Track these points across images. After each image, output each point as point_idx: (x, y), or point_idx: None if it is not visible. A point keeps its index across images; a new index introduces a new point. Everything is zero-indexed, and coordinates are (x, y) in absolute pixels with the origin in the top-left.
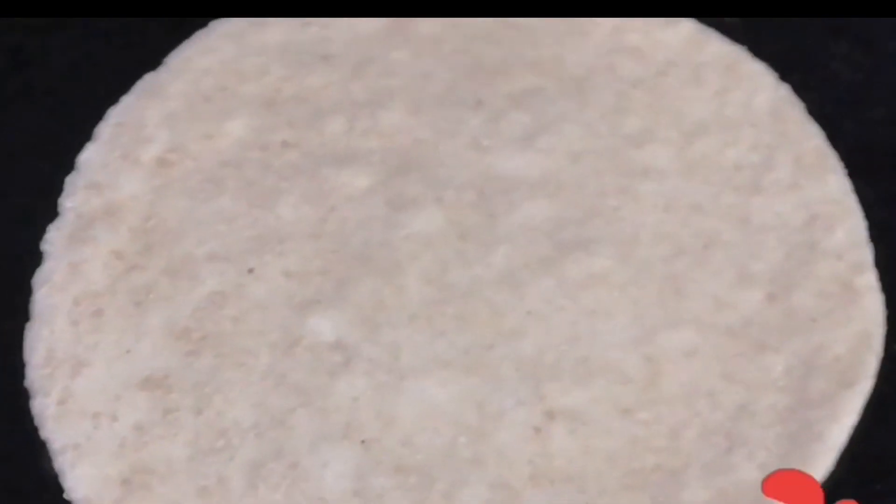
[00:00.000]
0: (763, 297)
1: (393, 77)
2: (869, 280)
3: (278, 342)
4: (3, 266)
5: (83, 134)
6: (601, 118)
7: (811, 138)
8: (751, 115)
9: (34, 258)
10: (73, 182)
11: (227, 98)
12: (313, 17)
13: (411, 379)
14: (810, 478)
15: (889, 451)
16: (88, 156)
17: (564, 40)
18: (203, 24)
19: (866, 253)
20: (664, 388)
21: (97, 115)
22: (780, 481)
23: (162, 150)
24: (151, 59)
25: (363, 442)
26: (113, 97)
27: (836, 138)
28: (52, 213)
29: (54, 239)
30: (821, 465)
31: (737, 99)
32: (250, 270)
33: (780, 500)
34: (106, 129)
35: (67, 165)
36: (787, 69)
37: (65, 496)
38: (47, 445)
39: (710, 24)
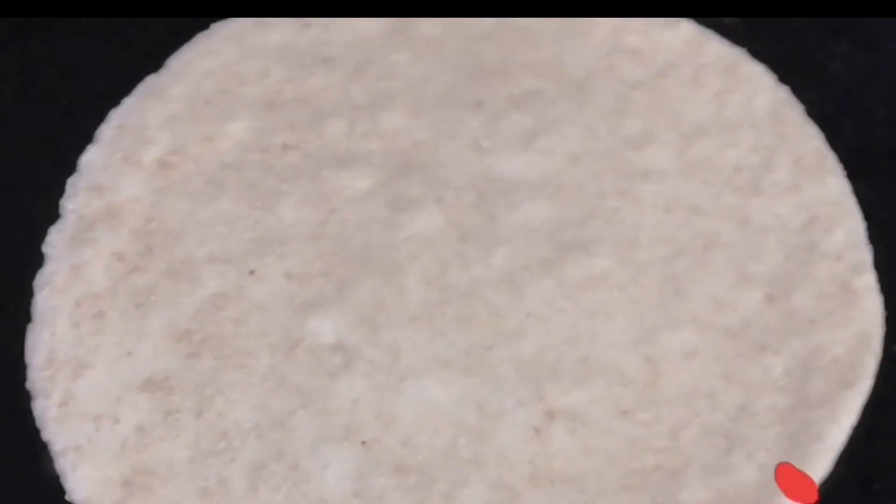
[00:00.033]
0: (762, 298)
1: (393, 79)
2: (868, 281)
3: (279, 344)
4: (4, 268)
5: (84, 136)
6: (601, 119)
7: (810, 140)
8: (750, 117)
9: (35, 260)
10: (74, 184)
11: (227, 100)
12: (314, 18)
13: (411, 380)
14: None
15: (888, 451)
16: (89, 158)
17: (564, 42)
18: (204, 27)
19: (865, 254)
20: (664, 388)
21: (98, 117)
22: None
23: (163, 152)
24: (153, 61)
25: (363, 443)
26: (114, 99)
27: (836, 140)
28: (53, 215)
29: (55, 241)
30: (820, 465)
31: (736, 100)
32: (251, 272)
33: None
34: (107, 131)
35: (68, 167)
36: (786, 71)
37: (66, 498)
38: (49, 447)
39: (709, 26)
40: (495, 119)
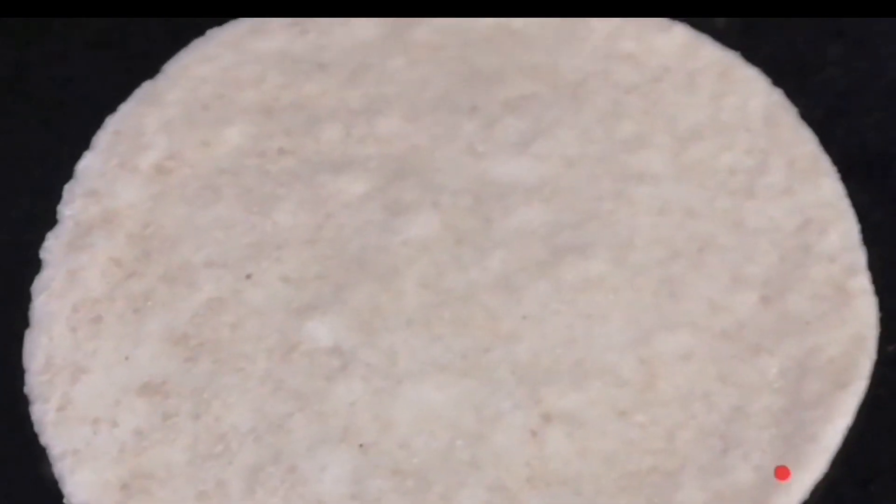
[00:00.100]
0: (757, 300)
1: (389, 84)
2: (862, 283)
3: (276, 347)
4: (2, 273)
5: (81, 142)
6: (596, 123)
7: (804, 143)
8: (744, 120)
9: (33, 266)
10: (71, 190)
11: (224, 106)
12: (311, 24)
13: (408, 383)
14: None
15: (882, 451)
16: (87, 164)
17: (559, 47)
18: (201, 33)
19: (859, 256)
20: (660, 390)
21: (95, 124)
22: None
23: (160, 158)
24: (149, 67)
25: (361, 446)
26: (111, 105)
27: (829, 142)
28: (50, 221)
29: (53, 246)
30: (815, 465)
31: (731, 104)
32: (248, 276)
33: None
34: (104, 137)
35: (66, 173)
36: (780, 74)
37: (65, 501)
38: (47, 451)
39: (703, 31)
40: (491, 123)
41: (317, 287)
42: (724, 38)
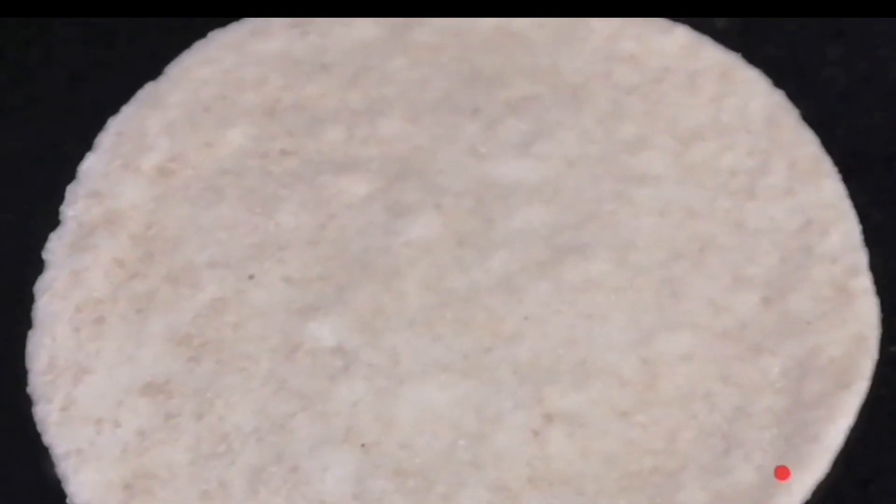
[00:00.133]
0: (759, 301)
1: (391, 85)
2: (863, 283)
3: (278, 347)
4: (5, 274)
5: (84, 143)
6: (597, 124)
7: (806, 144)
8: (746, 122)
9: (36, 266)
10: (73, 191)
11: (226, 107)
12: (312, 25)
13: (410, 383)
14: None
15: (884, 452)
16: (89, 165)
17: (560, 48)
18: (202, 35)
19: (860, 257)
20: (661, 390)
21: (98, 125)
22: None
23: (162, 159)
24: (152, 69)
25: (363, 445)
26: (113, 107)
27: (831, 144)
28: (53, 222)
29: (56, 247)
30: (817, 466)
31: (732, 105)
32: (250, 277)
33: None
34: (106, 138)
35: (68, 174)
36: (781, 76)
37: (68, 501)
38: (50, 451)
39: (704, 32)
40: (492, 125)
41: (319, 287)
42: (725, 40)
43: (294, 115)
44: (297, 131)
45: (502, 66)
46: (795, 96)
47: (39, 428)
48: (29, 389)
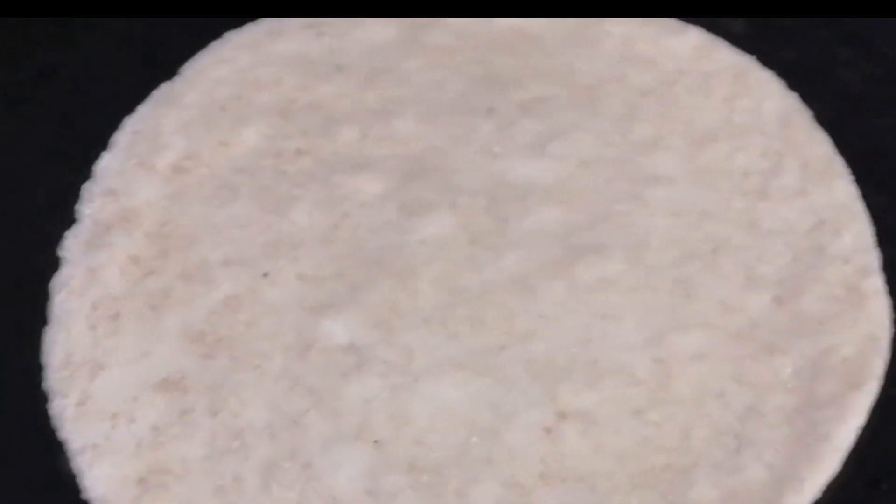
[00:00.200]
0: (771, 301)
1: (406, 86)
2: (875, 284)
3: (292, 345)
4: (22, 272)
5: (100, 142)
6: (612, 126)
7: (819, 145)
8: (759, 123)
9: (52, 264)
10: (89, 189)
11: (241, 107)
12: (328, 26)
13: (424, 381)
14: None
15: (894, 451)
16: (105, 163)
17: (575, 50)
18: (218, 35)
19: (873, 257)
20: (674, 389)
21: (114, 124)
22: None
23: (177, 158)
24: (167, 68)
25: (376, 442)
26: (129, 106)
27: (844, 145)
28: (69, 220)
29: (72, 245)
30: (828, 465)
31: (745, 107)
32: (265, 275)
33: None
34: (122, 137)
35: (84, 173)
36: (794, 77)
37: (82, 496)
38: (66, 446)
39: (718, 34)
40: (507, 125)
41: (333, 285)
42: (740, 43)
43: (309, 115)
44: (312, 131)
45: (517, 68)
46: (809, 98)
47: (55, 423)
48: (45, 385)
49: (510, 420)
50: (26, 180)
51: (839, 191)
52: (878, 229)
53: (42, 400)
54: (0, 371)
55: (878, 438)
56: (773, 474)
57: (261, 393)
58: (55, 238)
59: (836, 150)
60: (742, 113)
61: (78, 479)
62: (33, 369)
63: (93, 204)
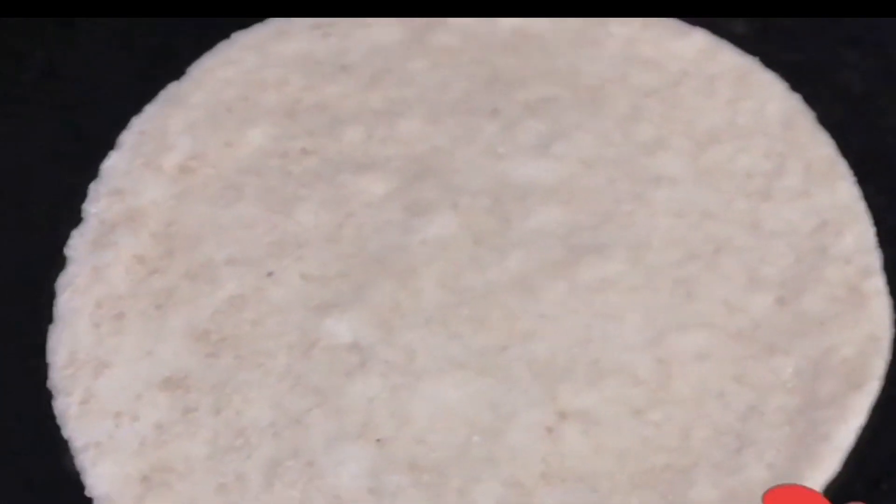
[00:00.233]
0: (773, 301)
1: (410, 86)
2: (877, 284)
3: (296, 344)
4: (28, 270)
5: (107, 142)
6: (615, 126)
7: (821, 146)
8: (762, 124)
9: (57, 262)
10: (96, 188)
11: (247, 107)
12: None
13: (426, 380)
14: (811, 491)
15: (895, 451)
16: (111, 163)
17: (579, 51)
18: (225, 36)
19: (874, 258)
20: (675, 389)
21: (121, 124)
22: (780, 496)
23: (183, 158)
24: (174, 69)
25: (378, 441)
26: (136, 106)
27: (846, 146)
28: (75, 219)
29: (77, 244)
30: (828, 465)
31: (748, 108)
32: (269, 274)
33: None
34: (129, 137)
35: (91, 172)
36: (798, 79)
37: (86, 493)
38: (69, 444)
39: (721, 36)
40: (511, 126)
41: (337, 285)
42: (743, 44)
43: (314, 116)
44: (318, 131)
45: (521, 68)
46: (812, 99)
47: (59, 421)
48: (49, 383)
49: (511, 420)
50: (34, 179)
51: (841, 192)
52: (880, 230)
53: (46, 398)
54: (4, 369)
55: (879, 438)
56: (774, 474)
57: (264, 392)
58: (61, 237)
59: (839, 152)
60: (745, 114)
61: (81, 477)
62: (37, 367)
63: (99, 203)
